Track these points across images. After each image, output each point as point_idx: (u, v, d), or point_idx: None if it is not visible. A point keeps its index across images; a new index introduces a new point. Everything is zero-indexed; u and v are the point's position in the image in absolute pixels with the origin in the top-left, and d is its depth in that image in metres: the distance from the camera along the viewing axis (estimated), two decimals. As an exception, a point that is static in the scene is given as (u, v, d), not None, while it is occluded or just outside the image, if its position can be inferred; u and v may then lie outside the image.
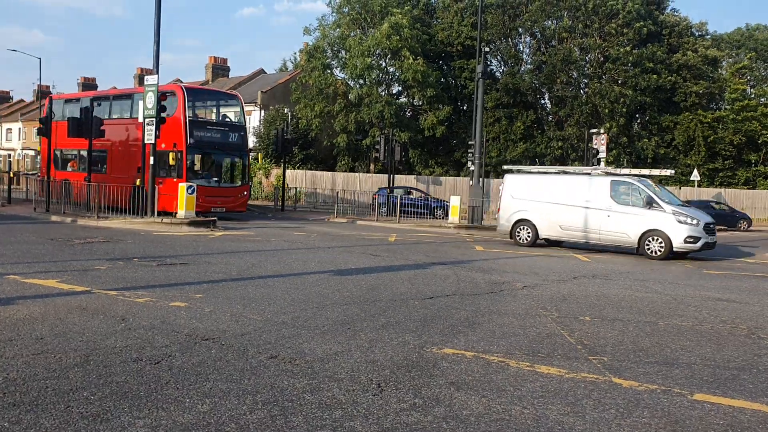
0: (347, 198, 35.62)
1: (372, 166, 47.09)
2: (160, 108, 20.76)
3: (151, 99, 20.59)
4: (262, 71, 62.16)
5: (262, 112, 48.45)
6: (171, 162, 23.45)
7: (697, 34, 50.19)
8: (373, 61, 43.92)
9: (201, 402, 4.67)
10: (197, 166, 25.16)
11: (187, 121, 23.65)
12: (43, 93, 69.79)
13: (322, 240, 18.37)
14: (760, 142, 45.09)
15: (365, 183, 41.70)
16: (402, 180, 40.54)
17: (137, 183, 22.83)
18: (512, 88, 46.24)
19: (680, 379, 5.83)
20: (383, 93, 45.57)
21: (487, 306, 9.07)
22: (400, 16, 42.92)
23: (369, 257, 14.42)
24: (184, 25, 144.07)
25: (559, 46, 47.14)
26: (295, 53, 54.41)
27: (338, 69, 47.15)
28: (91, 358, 5.65)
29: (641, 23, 44.91)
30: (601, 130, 32.15)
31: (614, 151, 43.26)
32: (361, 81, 44.88)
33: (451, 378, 5.51)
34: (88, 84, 71.25)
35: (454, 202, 27.26)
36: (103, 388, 4.89)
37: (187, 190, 20.86)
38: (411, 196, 33.65)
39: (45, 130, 25.32)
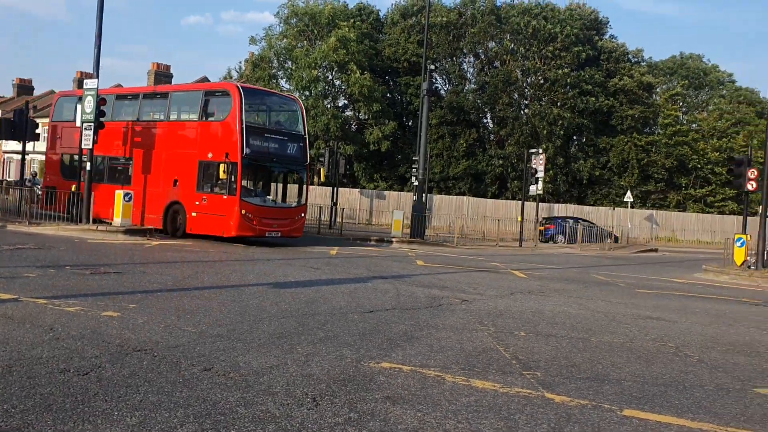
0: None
1: (315, 179, 47.02)
2: (99, 113, 20.17)
3: (90, 103, 20.08)
4: (206, 79, 61.29)
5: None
6: (221, 175, 18.93)
7: (633, 60, 52.09)
8: (319, 74, 43.97)
9: (130, 415, 4.54)
10: (251, 182, 21.12)
11: (244, 127, 19.17)
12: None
13: (262, 252, 18.19)
14: (690, 166, 46.94)
15: (309, 195, 41.46)
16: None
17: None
18: (456, 106, 46.97)
19: (610, 395, 5.97)
20: (329, 106, 45.61)
21: (426, 320, 9.12)
22: (347, 29, 43.15)
23: (309, 270, 14.34)
24: (129, 31, 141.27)
25: (502, 67, 48.19)
26: (241, 62, 53.99)
27: (284, 80, 47.08)
28: (14, 369, 5.43)
29: (579, 47, 46.32)
30: (540, 151, 32.87)
31: (551, 172, 44.28)
32: (307, 93, 44.85)
33: (388, 392, 5.50)
34: (24, 86, 68.79)
35: (397, 216, 27.41)
36: (26, 401, 4.70)
37: (123, 197, 20.31)
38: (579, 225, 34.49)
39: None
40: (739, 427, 5.27)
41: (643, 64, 53.77)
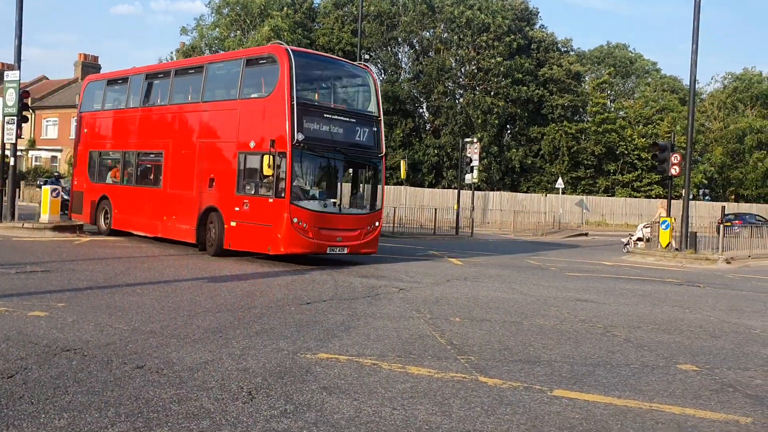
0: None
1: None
2: (23, 106, 19.13)
3: (11, 96, 19.25)
4: (135, 70, 59.64)
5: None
6: (266, 171, 13.68)
7: (562, 49, 53.26)
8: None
9: (58, 417, 4.42)
10: (306, 179, 15.04)
11: (295, 105, 13.88)
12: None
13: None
14: (618, 152, 48.42)
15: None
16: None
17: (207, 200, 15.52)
18: (392, 96, 47.11)
19: (541, 376, 6.15)
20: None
21: (363, 310, 9.17)
22: (280, 19, 42.69)
23: (246, 263, 14.20)
24: (54, 20, 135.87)
25: (436, 56, 48.55)
26: (172, 53, 52.65)
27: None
28: (-66, 375, 5.22)
29: (511, 37, 47.10)
30: (475, 140, 33.33)
31: (486, 160, 44.96)
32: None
33: (324, 383, 5.53)
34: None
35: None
36: (-53, 407, 4.52)
37: (51, 193, 19.60)
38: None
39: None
40: (663, 403, 5.51)
41: (572, 53, 55.08)
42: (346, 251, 14.95)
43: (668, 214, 22.56)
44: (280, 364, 6.02)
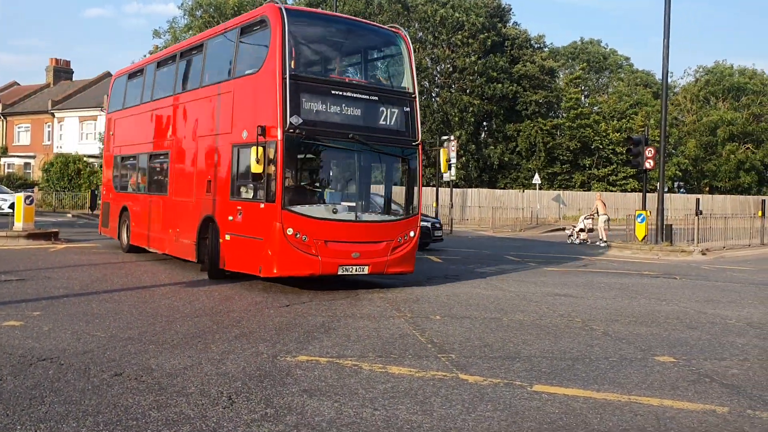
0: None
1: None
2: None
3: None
4: (108, 74, 58.91)
5: (109, 117, 46.01)
6: (254, 167, 10.43)
7: (535, 46, 53.57)
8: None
9: (35, 428, 4.36)
10: (307, 177, 11.66)
11: (289, 79, 10.59)
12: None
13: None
14: (593, 147, 48.81)
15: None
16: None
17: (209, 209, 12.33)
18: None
19: (521, 372, 6.19)
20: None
21: (343, 310, 9.17)
22: (253, 20, 42.43)
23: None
24: (25, 24, 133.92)
25: (412, 55, 48.60)
26: (145, 56, 52.18)
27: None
28: None
29: (485, 34, 47.27)
30: (452, 138, 33.47)
31: (464, 158, 45.12)
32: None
33: (305, 385, 5.51)
34: None
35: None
36: None
37: (24, 200, 19.32)
38: None
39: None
40: (641, 395, 5.58)
41: (545, 49, 55.46)
42: (366, 271, 11.15)
43: (605, 207, 23.74)
44: (259, 368, 5.99)
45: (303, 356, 6.49)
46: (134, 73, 17.51)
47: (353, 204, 11.47)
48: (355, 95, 11.57)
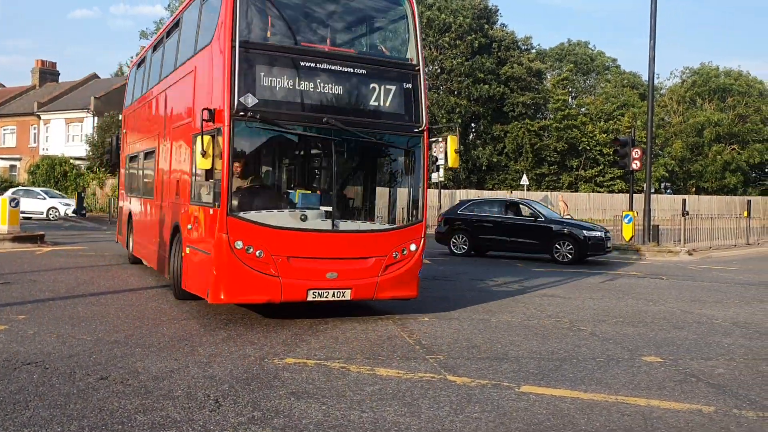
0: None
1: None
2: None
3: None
4: (95, 76, 58.64)
5: (96, 118, 45.75)
6: (199, 162, 8.18)
7: (523, 47, 53.77)
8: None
9: (19, 433, 4.33)
10: (264, 172, 10.05)
11: (238, 47, 8.14)
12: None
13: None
14: (580, 148, 49.06)
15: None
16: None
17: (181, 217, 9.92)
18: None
19: (509, 373, 6.20)
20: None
21: (331, 312, 9.13)
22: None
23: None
24: (10, 25, 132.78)
25: (400, 56, 48.67)
26: (132, 57, 51.91)
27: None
28: None
29: (472, 36, 47.42)
30: (440, 139, 33.52)
31: (452, 159, 45.19)
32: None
33: (292, 388, 5.49)
34: None
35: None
36: None
37: (9, 203, 19.15)
38: None
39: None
40: (629, 395, 5.60)
41: (532, 51, 55.68)
42: (348, 296, 8.51)
43: (567, 207, 24.19)
44: (247, 371, 5.97)
45: (290, 359, 6.46)
46: (140, 62, 15.65)
47: (329, 209, 8.68)
48: (334, 68, 8.85)
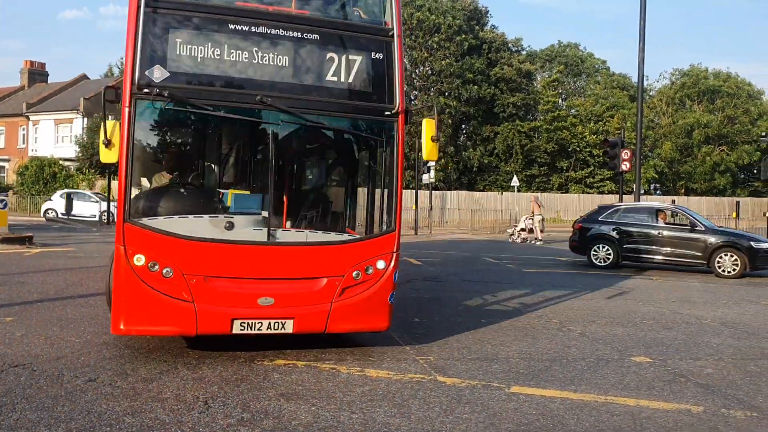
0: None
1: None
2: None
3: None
4: (85, 77, 58.36)
5: (86, 119, 45.54)
6: (103, 154, 6.48)
7: (513, 49, 53.88)
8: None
9: (6, 436, 4.30)
10: (176, 167, 7.40)
11: (143, 6, 6.16)
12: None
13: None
14: (570, 149, 49.23)
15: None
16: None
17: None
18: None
19: (499, 374, 6.21)
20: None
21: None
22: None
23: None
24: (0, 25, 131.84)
25: (390, 58, 48.68)
26: (122, 58, 51.68)
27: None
28: None
29: (462, 37, 47.49)
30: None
31: (442, 160, 45.25)
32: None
33: (282, 389, 5.48)
34: None
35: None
36: None
37: (-3, 204, 19.01)
38: None
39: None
40: (618, 395, 5.62)
41: (522, 52, 55.80)
42: (289, 328, 6.45)
43: (539, 207, 26.19)
44: (236, 372, 5.95)
45: (280, 360, 6.45)
46: None
47: (264, 214, 6.77)
48: (276, 32, 6.69)
